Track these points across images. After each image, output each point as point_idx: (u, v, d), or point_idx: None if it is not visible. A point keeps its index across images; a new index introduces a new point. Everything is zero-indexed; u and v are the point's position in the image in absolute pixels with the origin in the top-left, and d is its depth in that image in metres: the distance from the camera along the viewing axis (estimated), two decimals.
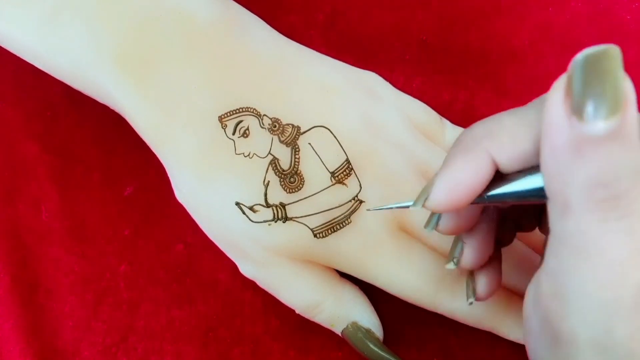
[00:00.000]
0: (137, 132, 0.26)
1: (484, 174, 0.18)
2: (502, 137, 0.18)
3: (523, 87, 0.31)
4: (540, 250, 0.26)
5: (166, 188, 0.27)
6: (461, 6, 0.32)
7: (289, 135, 0.26)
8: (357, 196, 0.25)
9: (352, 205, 0.25)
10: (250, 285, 0.28)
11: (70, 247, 0.30)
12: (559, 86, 0.15)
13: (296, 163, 0.25)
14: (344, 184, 0.25)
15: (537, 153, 0.17)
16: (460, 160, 0.18)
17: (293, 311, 0.27)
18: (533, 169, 0.18)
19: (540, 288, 0.18)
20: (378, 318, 0.27)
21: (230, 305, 0.30)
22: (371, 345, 0.26)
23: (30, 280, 0.30)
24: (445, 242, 0.26)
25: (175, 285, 0.30)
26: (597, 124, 0.15)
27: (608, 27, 0.31)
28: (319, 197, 0.25)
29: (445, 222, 0.21)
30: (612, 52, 0.15)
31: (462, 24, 0.32)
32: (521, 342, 0.26)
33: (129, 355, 0.29)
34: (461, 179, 0.18)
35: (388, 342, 0.27)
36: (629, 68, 0.30)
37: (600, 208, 0.15)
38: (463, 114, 0.31)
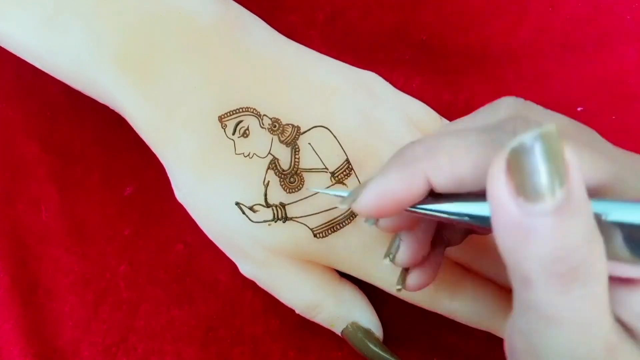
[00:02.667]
0: (137, 132, 0.26)
1: (416, 191, 0.18)
2: (441, 159, 0.18)
3: (523, 87, 0.31)
4: None
5: (166, 188, 0.27)
6: (461, 6, 0.32)
7: (289, 135, 0.26)
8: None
9: None
10: (250, 285, 0.28)
11: (70, 247, 0.30)
12: (499, 167, 0.15)
13: (296, 163, 0.25)
14: (343, 184, 0.25)
15: (473, 179, 0.17)
16: (394, 172, 0.18)
17: (293, 311, 0.27)
18: (467, 194, 0.18)
19: (514, 343, 0.18)
20: (378, 318, 0.27)
21: (230, 305, 0.30)
22: (371, 346, 0.26)
23: (30, 280, 0.30)
24: None
25: (175, 285, 0.30)
26: (544, 202, 0.15)
27: (608, 27, 0.31)
28: (319, 197, 0.25)
29: (384, 221, 0.21)
30: (548, 132, 0.15)
31: (462, 24, 0.32)
32: None
33: (129, 355, 0.29)
34: (391, 192, 0.18)
35: (388, 342, 0.27)
36: (629, 68, 0.31)
37: (561, 281, 0.15)
38: (463, 114, 0.30)
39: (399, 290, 0.23)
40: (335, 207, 0.25)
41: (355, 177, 0.26)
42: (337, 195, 0.22)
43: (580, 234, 0.15)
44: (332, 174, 0.25)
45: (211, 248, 0.27)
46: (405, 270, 0.23)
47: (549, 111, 0.20)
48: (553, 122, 0.20)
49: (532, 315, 0.16)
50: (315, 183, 0.25)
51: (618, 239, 0.16)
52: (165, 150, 0.26)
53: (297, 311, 0.27)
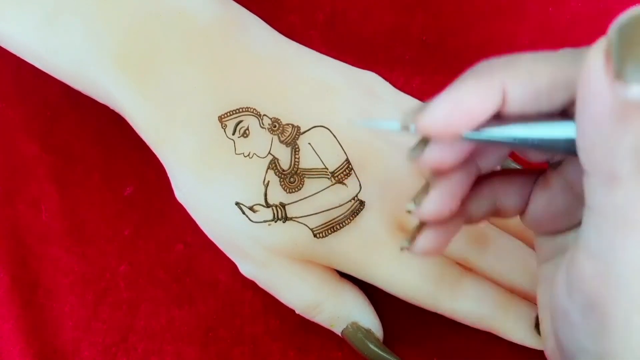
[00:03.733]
0: (137, 132, 0.26)
1: (492, 103, 0.16)
2: (520, 68, 0.16)
3: None
4: (525, 240, 0.26)
5: (166, 188, 0.27)
6: (461, 6, 0.32)
7: (289, 135, 0.26)
8: (357, 196, 0.25)
9: (352, 205, 0.25)
10: (250, 285, 0.28)
11: (70, 247, 0.30)
12: (597, 51, 0.14)
13: (296, 163, 0.25)
14: (343, 184, 0.25)
15: (550, 94, 0.16)
16: (469, 83, 0.16)
17: (293, 311, 0.27)
18: (539, 116, 0.17)
19: (581, 271, 0.16)
20: (378, 318, 0.27)
21: (230, 305, 0.29)
22: (371, 346, 0.26)
23: (30, 280, 0.30)
24: None
25: (175, 285, 0.30)
26: None
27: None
28: (319, 197, 0.25)
29: (432, 151, 0.18)
30: None
31: (462, 24, 0.32)
32: (520, 343, 0.26)
33: (129, 355, 0.29)
34: (466, 101, 0.16)
35: (388, 342, 0.27)
36: None
37: None
38: None
39: (402, 249, 0.21)
40: (335, 207, 0.25)
41: (355, 177, 0.26)
42: (387, 128, 0.19)
43: None
44: (332, 173, 0.25)
45: (211, 248, 0.27)
46: (418, 231, 0.20)
47: None
48: None
49: (611, 224, 0.15)
50: (315, 183, 0.25)
51: None
52: (165, 150, 0.26)
53: (297, 311, 0.27)
